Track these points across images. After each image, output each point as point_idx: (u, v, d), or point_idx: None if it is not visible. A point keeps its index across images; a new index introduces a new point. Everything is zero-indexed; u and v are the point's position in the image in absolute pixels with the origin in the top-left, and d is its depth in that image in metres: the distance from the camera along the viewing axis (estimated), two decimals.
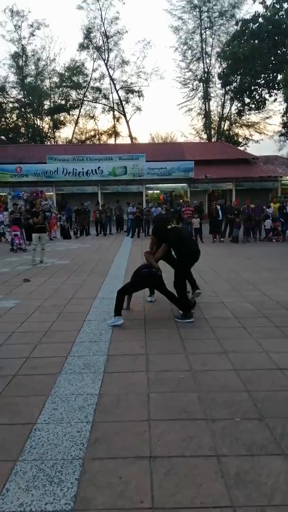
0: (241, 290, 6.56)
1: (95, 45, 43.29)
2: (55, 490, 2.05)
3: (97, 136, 47.64)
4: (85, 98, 45.31)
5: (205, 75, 40.93)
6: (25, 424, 2.68)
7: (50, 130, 46.60)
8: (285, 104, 26.29)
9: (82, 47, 43.29)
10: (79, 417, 2.75)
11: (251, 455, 2.32)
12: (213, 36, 40.73)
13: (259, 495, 2.00)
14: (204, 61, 41.06)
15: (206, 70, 41.00)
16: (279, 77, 28.82)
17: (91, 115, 46.86)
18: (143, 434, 2.54)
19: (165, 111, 77.48)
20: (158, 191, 28.19)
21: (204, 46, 40.74)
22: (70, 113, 46.10)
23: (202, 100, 42.42)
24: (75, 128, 46.10)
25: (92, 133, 47.95)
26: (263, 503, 1.95)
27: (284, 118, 27.76)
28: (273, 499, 1.97)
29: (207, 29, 40.22)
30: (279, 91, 31.82)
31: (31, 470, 2.21)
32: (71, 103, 45.61)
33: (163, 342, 4.22)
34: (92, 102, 46.01)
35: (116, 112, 45.73)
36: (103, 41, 43.00)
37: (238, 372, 3.42)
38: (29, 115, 44.72)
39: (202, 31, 40.20)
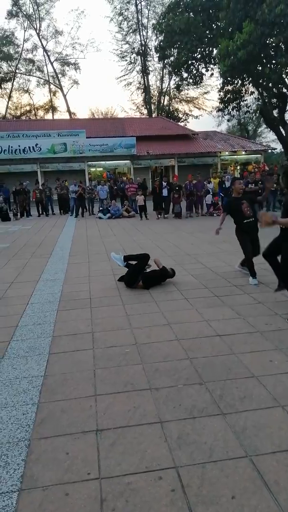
0: (184, 264, 6.76)
1: (25, 12, 40.57)
2: (1, 473, 2.04)
3: (33, 111, 45.36)
4: (17, 71, 42.67)
5: (142, 48, 40.13)
6: None
7: None
8: (222, 79, 26.59)
9: (10, 14, 40.34)
10: (24, 400, 2.73)
11: (193, 417, 2.46)
12: (148, 7, 39.82)
13: (200, 454, 2.14)
14: (141, 33, 40.15)
15: (143, 42, 40.20)
16: (215, 51, 29.03)
17: (25, 88, 44.41)
18: (89, 409, 2.59)
19: (104, 85, 75.34)
20: (101, 169, 27.71)
21: (140, 17, 39.71)
22: (2, 86, 43.27)
23: (141, 74, 41.78)
24: (8, 102, 43.44)
25: (28, 108, 45.56)
26: (204, 461, 2.09)
27: (221, 93, 28.10)
28: (212, 456, 2.12)
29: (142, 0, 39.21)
30: (215, 66, 32.11)
31: None
32: (3, 75, 42.67)
33: (108, 320, 4.25)
34: (26, 74, 43.51)
35: (52, 86, 43.73)
36: (33, 8, 40.42)
37: (180, 342, 3.57)
38: None
39: (137, 1, 39.11)
